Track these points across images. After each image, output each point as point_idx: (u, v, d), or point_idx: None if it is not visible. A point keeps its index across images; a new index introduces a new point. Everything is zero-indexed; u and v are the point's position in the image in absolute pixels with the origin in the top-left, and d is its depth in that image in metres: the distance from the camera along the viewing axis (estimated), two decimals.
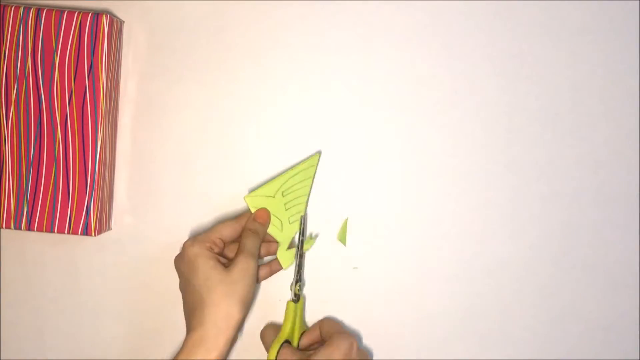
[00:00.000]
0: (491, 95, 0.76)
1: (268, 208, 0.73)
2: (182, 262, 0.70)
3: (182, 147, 0.76)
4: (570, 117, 0.76)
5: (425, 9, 0.76)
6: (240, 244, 0.70)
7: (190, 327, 0.68)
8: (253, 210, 0.73)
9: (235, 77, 0.76)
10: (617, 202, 0.76)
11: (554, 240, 0.76)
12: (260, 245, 0.71)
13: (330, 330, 0.71)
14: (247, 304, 0.68)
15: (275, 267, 0.74)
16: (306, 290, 0.76)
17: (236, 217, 0.73)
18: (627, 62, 0.76)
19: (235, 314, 0.67)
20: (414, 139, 0.76)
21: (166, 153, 0.76)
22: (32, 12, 0.71)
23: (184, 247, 0.70)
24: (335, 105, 0.76)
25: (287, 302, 0.73)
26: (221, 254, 0.72)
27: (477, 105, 0.76)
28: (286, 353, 0.69)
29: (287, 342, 0.71)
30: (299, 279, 0.74)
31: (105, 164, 0.73)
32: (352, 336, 0.69)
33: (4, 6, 0.71)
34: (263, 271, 0.74)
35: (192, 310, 0.68)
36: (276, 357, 0.69)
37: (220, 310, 0.66)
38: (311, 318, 0.76)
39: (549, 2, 0.76)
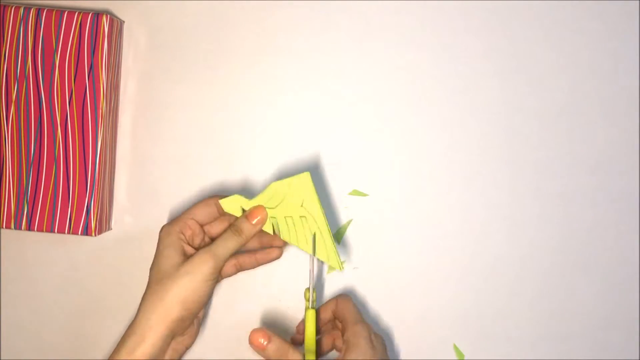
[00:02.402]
0: (491, 96, 0.76)
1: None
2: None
3: (182, 147, 0.76)
4: (570, 117, 0.76)
5: (425, 9, 0.76)
6: (215, 240, 0.66)
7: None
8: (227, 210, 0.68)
9: (235, 77, 0.76)
10: (617, 202, 0.76)
11: (553, 240, 0.76)
12: (237, 249, 0.66)
13: (345, 316, 0.67)
14: (190, 304, 0.64)
15: (262, 258, 0.70)
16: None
17: (214, 195, 0.70)
18: (627, 62, 0.76)
19: (172, 311, 0.63)
20: (413, 139, 0.76)
21: (166, 153, 0.76)
22: (32, 12, 0.71)
23: (160, 228, 0.68)
24: (335, 106, 0.76)
25: (307, 311, 0.67)
26: (194, 236, 0.68)
27: (477, 106, 0.76)
28: None
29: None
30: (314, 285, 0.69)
31: (105, 164, 0.73)
32: (366, 324, 0.66)
33: (4, 6, 0.71)
34: (247, 261, 0.69)
35: (143, 293, 0.65)
36: None
37: (156, 305, 0.63)
38: None
39: (549, 2, 0.76)
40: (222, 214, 0.69)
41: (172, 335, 0.64)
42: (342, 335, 0.67)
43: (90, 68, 0.71)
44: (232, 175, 0.76)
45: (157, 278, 0.65)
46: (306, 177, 0.67)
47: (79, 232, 0.72)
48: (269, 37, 0.76)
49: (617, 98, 0.76)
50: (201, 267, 0.64)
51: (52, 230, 0.72)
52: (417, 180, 0.76)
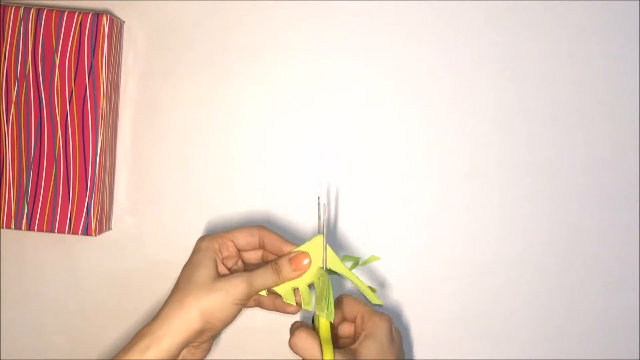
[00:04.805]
0: (491, 95, 0.76)
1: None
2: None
3: (182, 147, 0.76)
4: (570, 117, 0.76)
5: (425, 9, 0.76)
6: (254, 270, 0.66)
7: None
8: (305, 249, 0.68)
9: (235, 77, 0.76)
10: (617, 202, 0.76)
11: (553, 240, 0.76)
12: (271, 287, 0.67)
13: (360, 310, 0.67)
14: (214, 320, 0.64)
15: (280, 305, 0.69)
16: None
17: (257, 226, 0.70)
18: (627, 62, 0.76)
19: (193, 322, 0.63)
20: (414, 139, 0.76)
21: (166, 153, 0.76)
22: (32, 12, 0.71)
23: (198, 239, 0.68)
24: (336, 106, 0.76)
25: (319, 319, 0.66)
26: (229, 258, 0.68)
27: (477, 106, 0.76)
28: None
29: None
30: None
31: (105, 164, 0.73)
32: (386, 316, 0.66)
33: (4, 6, 0.71)
34: (266, 301, 0.70)
35: (168, 297, 0.65)
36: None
37: (181, 311, 0.63)
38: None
39: (549, 2, 0.76)
40: (261, 246, 0.69)
41: (188, 344, 0.64)
42: (359, 328, 0.66)
43: (90, 68, 0.71)
44: (232, 176, 0.76)
45: (187, 286, 0.64)
46: (318, 239, 0.67)
47: (79, 232, 0.72)
48: (269, 37, 0.76)
49: (617, 98, 0.76)
50: (236, 289, 0.64)
51: (52, 230, 0.72)
52: (418, 180, 0.76)
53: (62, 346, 0.76)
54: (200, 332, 0.64)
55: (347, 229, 0.76)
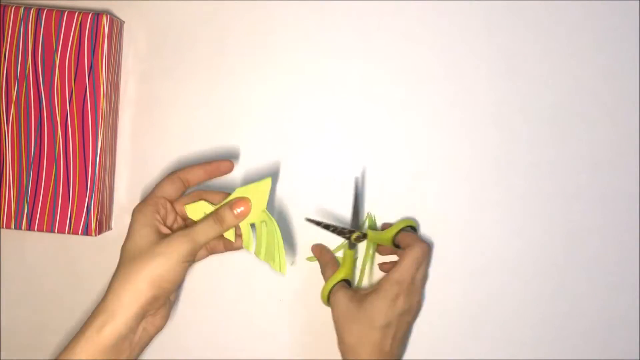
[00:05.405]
0: (490, 95, 0.76)
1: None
2: None
3: (182, 147, 0.76)
4: (570, 117, 0.76)
5: (425, 9, 0.76)
6: (195, 224, 0.66)
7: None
8: (191, 216, 0.68)
9: (235, 77, 0.76)
10: (617, 202, 0.76)
11: (553, 240, 0.76)
12: (215, 237, 0.66)
13: (406, 238, 0.71)
14: (164, 284, 0.63)
15: (227, 245, 0.70)
16: (311, 286, 0.75)
17: (175, 171, 0.69)
18: (627, 62, 0.76)
19: (145, 290, 0.62)
20: (414, 139, 0.76)
21: (166, 153, 0.76)
22: (32, 12, 0.71)
23: (133, 209, 0.67)
24: (336, 106, 0.76)
25: (345, 251, 0.73)
26: (167, 215, 0.67)
27: (477, 106, 0.76)
28: (340, 289, 0.71)
29: (345, 281, 0.72)
30: (355, 229, 0.73)
31: (105, 164, 0.73)
32: (426, 245, 0.70)
33: (4, 6, 0.71)
34: (217, 247, 0.70)
35: (115, 271, 0.64)
36: (329, 292, 0.71)
37: (129, 284, 0.62)
38: (315, 316, 0.76)
39: (549, 2, 0.76)
40: (187, 186, 0.69)
41: (144, 314, 0.63)
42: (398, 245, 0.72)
43: (90, 68, 0.71)
44: (232, 175, 0.76)
45: (130, 256, 0.64)
46: (267, 182, 0.67)
47: (79, 232, 0.72)
48: (269, 37, 0.76)
49: (617, 98, 0.76)
50: (178, 249, 0.63)
51: (52, 230, 0.72)
52: (418, 180, 0.76)
53: (62, 346, 0.76)
54: (153, 299, 0.63)
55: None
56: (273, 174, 0.76)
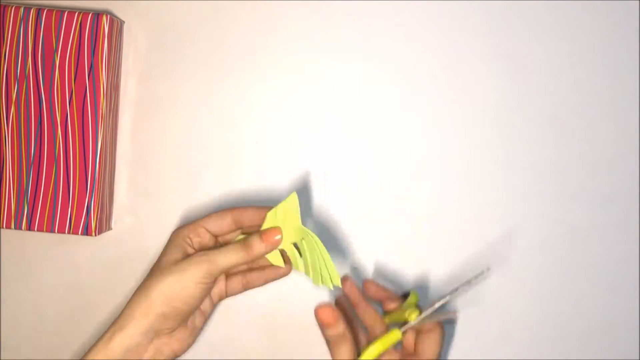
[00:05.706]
0: (490, 95, 0.76)
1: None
2: None
3: (182, 147, 0.76)
4: (570, 117, 0.76)
5: (425, 9, 0.76)
6: (220, 250, 0.64)
7: None
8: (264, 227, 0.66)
9: (235, 78, 0.76)
10: (617, 202, 0.76)
11: (553, 240, 0.76)
12: (238, 264, 0.64)
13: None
14: (176, 302, 0.62)
15: (270, 272, 0.68)
16: (309, 292, 0.75)
17: (229, 209, 0.68)
18: (627, 62, 0.76)
19: (155, 306, 0.61)
20: (414, 139, 0.76)
21: (166, 153, 0.76)
22: (32, 12, 0.71)
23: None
24: (336, 106, 0.76)
25: (393, 330, 0.65)
26: (202, 243, 0.67)
27: (477, 106, 0.76)
28: None
29: None
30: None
31: (105, 164, 0.73)
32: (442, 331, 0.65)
33: (4, 6, 0.71)
34: (255, 278, 0.68)
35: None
36: None
37: (143, 297, 0.62)
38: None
39: (549, 2, 0.76)
40: (240, 225, 0.68)
41: (154, 331, 0.62)
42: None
43: (90, 68, 0.71)
44: (232, 175, 0.76)
45: (152, 272, 0.64)
46: (293, 198, 0.64)
47: (79, 232, 0.72)
48: (269, 37, 0.76)
49: (617, 98, 0.76)
50: (194, 267, 0.62)
51: (52, 230, 0.72)
52: (418, 180, 0.76)
53: (62, 346, 0.76)
54: (163, 316, 0.62)
55: (346, 229, 0.76)
56: (273, 174, 0.76)
